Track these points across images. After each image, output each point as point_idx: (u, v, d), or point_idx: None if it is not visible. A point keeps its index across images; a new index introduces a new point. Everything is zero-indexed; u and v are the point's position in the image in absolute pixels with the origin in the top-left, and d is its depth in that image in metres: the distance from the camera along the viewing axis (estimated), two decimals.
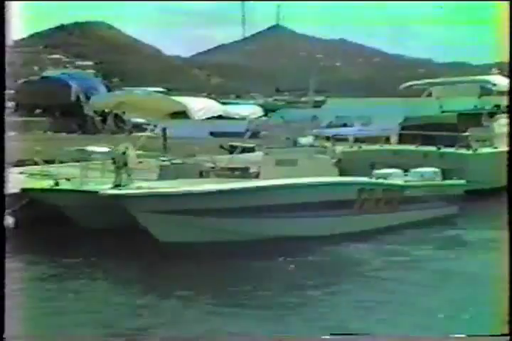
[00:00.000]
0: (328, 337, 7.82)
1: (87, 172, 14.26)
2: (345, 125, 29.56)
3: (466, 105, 21.98)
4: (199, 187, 12.24)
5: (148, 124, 26.54)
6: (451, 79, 24.62)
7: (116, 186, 12.92)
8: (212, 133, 31.08)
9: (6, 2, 7.28)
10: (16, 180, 14.68)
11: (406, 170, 15.88)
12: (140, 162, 14.81)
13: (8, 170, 7.35)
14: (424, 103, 23.27)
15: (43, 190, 13.70)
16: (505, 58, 8.37)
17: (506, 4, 8.08)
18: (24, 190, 13.65)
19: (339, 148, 18.89)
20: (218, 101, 18.68)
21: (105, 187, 12.89)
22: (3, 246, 6.87)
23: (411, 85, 23.83)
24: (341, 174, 15.80)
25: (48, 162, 18.39)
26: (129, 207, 11.63)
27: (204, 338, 8.22)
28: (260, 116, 17.65)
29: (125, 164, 13.42)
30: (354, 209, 13.58)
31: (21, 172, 16.14)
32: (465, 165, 18.08)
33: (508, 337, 6.79)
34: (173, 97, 16.93)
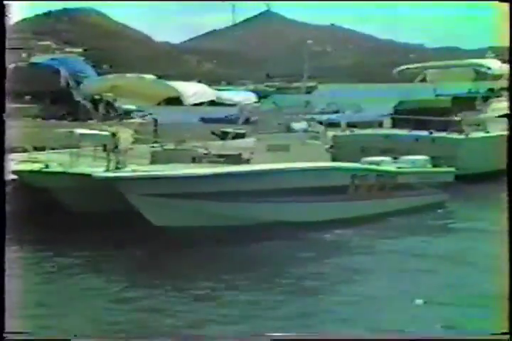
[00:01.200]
0: (328, 335, 7.80)
1: (78, 158, 14.08)
2: (337, 112, 29.52)
3: (460, 89, 21.85)
4: (194, 171, 12.13)
5: (140, 111, 26.31)
6: (446, 62, 24.39)
7: (109, 169, 12.75)
8: (202, 119, 30.88)
9: (6, 2, 7.19)
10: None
11: (395, 158, 15.76)
12: (131, 148, 14.63)
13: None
14: (418, 87, 23.15)
15: (32, 172, 13.54)
16: (505, 56, 8.33)
17: (506, 4, 8.04)
18: (13, 172, 13.51)
19: (331, 133, 18.78)
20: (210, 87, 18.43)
21: (96, 169, 12.75)
22: (3, 246, 6.77)
23: (404, 69, 23.63)
24: (333, 159, 15.68)
25: (37, 149, 18.19)
26: (123, 189, 11.48)
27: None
28: (254, 102, 17.46)
29: (116, 147, 13.24)
30: (347, 195, 13.48)
31: (11, 160, 15.91)
32: (456, 149, 18.00)
33: (508, 336, 6.77)
34: (166, 81, 16.68)
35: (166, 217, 11.60)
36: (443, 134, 18.72)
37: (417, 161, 15.63)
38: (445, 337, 7.80)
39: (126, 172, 12.05)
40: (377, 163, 14.86)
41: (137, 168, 12.85)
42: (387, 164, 15.10)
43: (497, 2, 8.59)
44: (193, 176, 11.84)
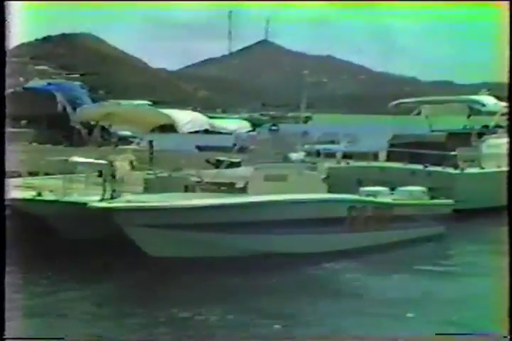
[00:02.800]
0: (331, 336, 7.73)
1: (70, 184, 14.01)
2: (332, 142, 29.57)
3: (455, 125, 21.94)
4: (190, 202, 12.08)
5: (135, 137, 26.24)
6: (441, 98, 24.52)
7: (104, 199, 12.66)
8: (198, 147, 30.89)
9: (6, 3, 7.22)
10: None
11: (393, 189, 15.73)
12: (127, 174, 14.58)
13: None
14: (414, 121, 23.25)
15: (25, 200, 13.44)
16: (505, 60, 8.39)
17: (506, 4, 8.13)
18: (7, 200, 13.38)
19: (326, 164, 18.78)
20: (205, 115, 18.48)
21: (88, 198, 12.68)
22: (4, 247, 6.78)
23: (400, 103, 23.74)
24: (328, 190, 15.65)
25: (32, 174, 18.12)
26: (119, 220, 11.44)
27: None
28: (248, 131, 17.47)
29: (113, 176, 13.17)
30: (344, 227, 13.42)
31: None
32: (452, 184, 17.99)
33: (508, 338, 6.79)
34: (160, 110, 16.74)
35: (160, 247, 11.53)
36: (439, 168, 18.74)
37: (413, 192, 15.59)
38: (445, 338, 7.74)
39: (121, 203, 11.93)
40: (375, 193, 14.82)
41: (132, 197, 12.75)
42: (384, 194, 15.06)
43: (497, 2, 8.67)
44: (188, 207, 11.78)
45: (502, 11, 8.14)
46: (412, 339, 7.80)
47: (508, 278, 7.41)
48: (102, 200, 12.41)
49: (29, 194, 13.84)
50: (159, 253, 11.52)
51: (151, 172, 16.57)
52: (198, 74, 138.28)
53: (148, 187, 14.85)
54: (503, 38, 8.00)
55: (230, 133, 17.36)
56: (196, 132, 16.13)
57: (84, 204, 11.83)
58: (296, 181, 14.16)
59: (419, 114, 23.25)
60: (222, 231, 11.88)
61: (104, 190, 12.92)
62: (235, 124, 17.27)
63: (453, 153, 19.29)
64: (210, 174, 17.24)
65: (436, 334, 8.12)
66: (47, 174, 17.11)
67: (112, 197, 12.63)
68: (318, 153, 17.36)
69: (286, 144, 15.18)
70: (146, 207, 11.70)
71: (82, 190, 13.99)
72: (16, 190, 14.73)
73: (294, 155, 14.96)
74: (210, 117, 20.01)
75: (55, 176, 16.35)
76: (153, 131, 17.43)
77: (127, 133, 28.45)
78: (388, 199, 14.89)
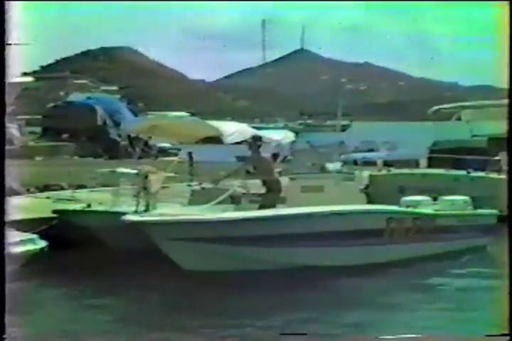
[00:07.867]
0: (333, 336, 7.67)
1: (118, 197, 14.13)
2: (371, 150, 29.32)
3: (496, 129, 21.62)
4: (221, 215, 12.00)
5: (178, 149, 26.38)
6: (482, 102, 24.19)
7: (136, 211, 12.67)
8: (238, 158, 30.82)
9: (6, 3, 7.43)
10: (43, 205, 14.63)
11: (435, 198, 15.39)
12: (166, 186, 14.62)
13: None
14: (454, 127, 22.94)
15: (75, 212, 13.63)
16: (505, 58, 8.31)
17: (506, 4, 8.06)
18: (56, 212, 13.64)
19: (366, 172, 18.62)
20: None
21: (130, 209, 12.76)
22: (3, 248, 6.95)
23: (440, 109, 23.48)
24: (369, 199, 15.44)
25: (71, 186, 18.37)
26: (150, 233, 11.47)
27: None
28: (293, 141, 17.40)
29: (144, 188, 13.17)
30: (383, 239, 13.10)
31: (47, 197, 16.07)
32: (497, 190, 17.65)
33: (508, 337, 6.68)
34: (206, 121, 16.80)
35: (193, 261, 11.47)
36: (482, 174, 18.44)
37: (456, 202, 15.16)
38: (446, 337, 7.65)
39: (153, 216, 11.93)
40: (417, 203, 14.51)
41: (167, 210, 12.77)
42: (426, 204, 14.73)
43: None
44: (220, 221, 11.70)
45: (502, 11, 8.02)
46: (412, 340, 7.72)
47: (508, 278, 7.26)
48: (135, 213, 12.43)
49: (75, 206, 14.03)
50: (192, 266, 11.45)
51: (194, 183, 16.61)
52: (235, 85, 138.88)
53: (194, 199, 14.86)
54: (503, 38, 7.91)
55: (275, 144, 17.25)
56: (239, 143, 16.14)
57: (120, 214, 11.90)
58: (333, 192, 13.97)
59: (459, 119, 22.95)
60: (256, 244, 11.72)
61: (138, 203, 12.95)
62: (280, 134, 17.21)
63: (496, 158, 18.98)
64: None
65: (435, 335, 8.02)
66: (83, 186, 17.29)
67: (146, 211, 12.63)
68: (355, 162, 17.17)
69: (323, 154, 15.02)
70: (176, 220, 11.66)
71: (129, 202, 14.08)
72: (60, 203, 14.96)
73: (330, 166, 14.78)
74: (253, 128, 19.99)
75: (99, 189, 16.56)
76: (196, 142, 17.51)
77: (166, 144, 28.63)
78: (429, 210, 14.43)
